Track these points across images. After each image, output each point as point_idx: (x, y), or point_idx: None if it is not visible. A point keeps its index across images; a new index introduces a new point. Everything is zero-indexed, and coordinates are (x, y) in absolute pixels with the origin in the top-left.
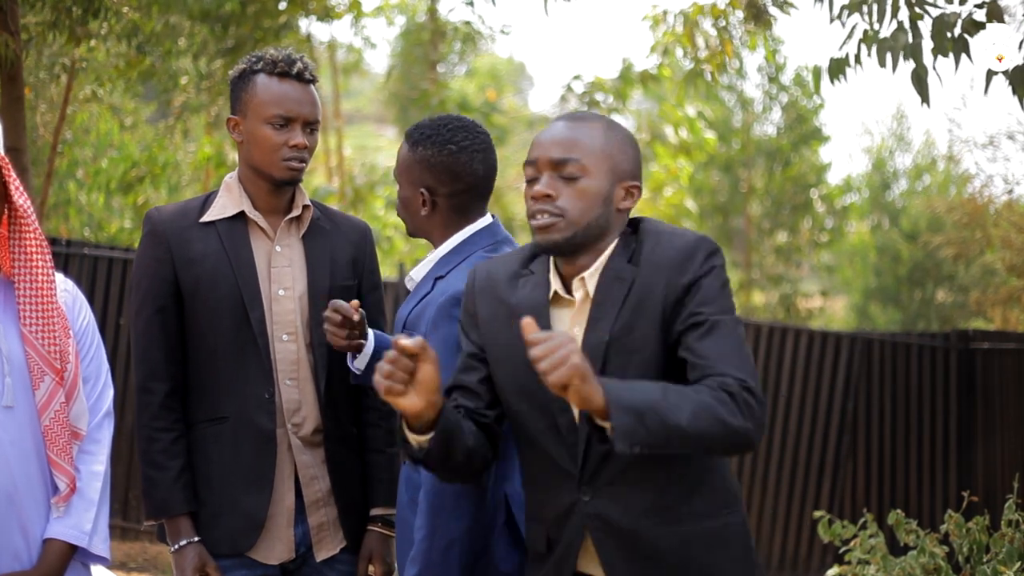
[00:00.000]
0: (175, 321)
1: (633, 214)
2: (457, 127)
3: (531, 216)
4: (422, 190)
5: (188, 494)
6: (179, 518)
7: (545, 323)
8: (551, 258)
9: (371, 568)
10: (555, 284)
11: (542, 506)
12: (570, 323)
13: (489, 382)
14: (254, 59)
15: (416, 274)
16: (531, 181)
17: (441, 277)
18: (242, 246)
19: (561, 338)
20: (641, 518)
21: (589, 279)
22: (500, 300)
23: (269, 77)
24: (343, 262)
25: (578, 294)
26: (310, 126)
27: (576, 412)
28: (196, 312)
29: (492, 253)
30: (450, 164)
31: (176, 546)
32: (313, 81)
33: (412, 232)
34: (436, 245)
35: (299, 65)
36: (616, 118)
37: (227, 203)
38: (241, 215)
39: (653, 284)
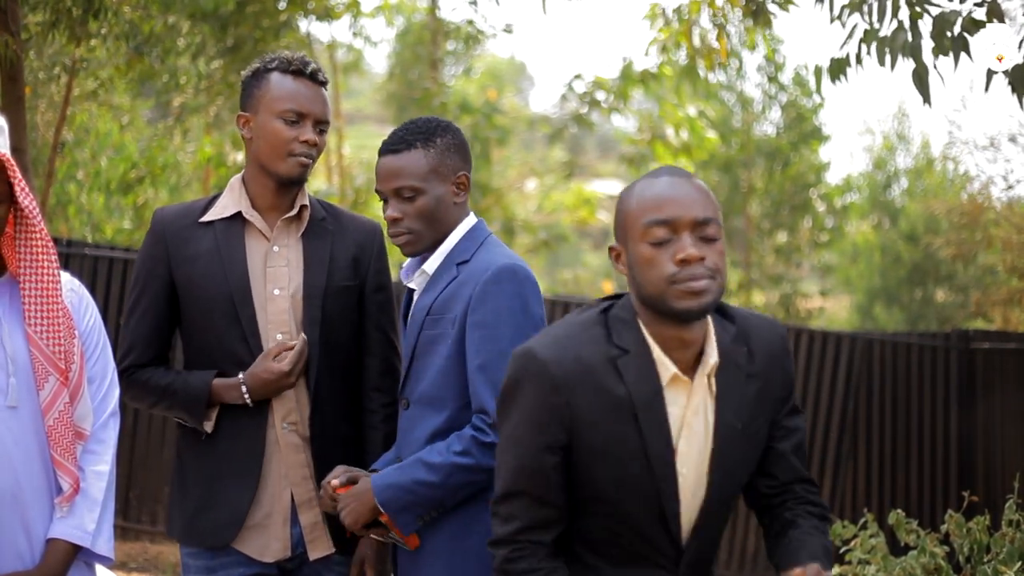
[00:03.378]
0: (166, 322)
1: None
2: (437, 118)
3: (678, 281)
4: (460, 175)
5: (200, 373)
6: (214, 386)
7: (662, 411)
8: (643, 331)
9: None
10: (670, 365)
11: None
12: (688, 407)
13: (564, 480)
14: (268, 58)
15: (429, 267)
16: (661, 243)
17: (465, 262)
18: (236, 246)
19: None
20: None
21: (710, 360)
22: (604, 389)
23: (283, 75)
24: (344, 262)
25: (700, 378)
26: (320, 125)
27: (683, 503)
28: (190, 310)
29: (496, 236)
30: (464, 142)
31: (244, 392)
32: (325, 83)
33: (432, 243)
34: (440, 235)
35: (313, 66)
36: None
37: (227, 203)
38: (239, 215)
39: (771, 374)
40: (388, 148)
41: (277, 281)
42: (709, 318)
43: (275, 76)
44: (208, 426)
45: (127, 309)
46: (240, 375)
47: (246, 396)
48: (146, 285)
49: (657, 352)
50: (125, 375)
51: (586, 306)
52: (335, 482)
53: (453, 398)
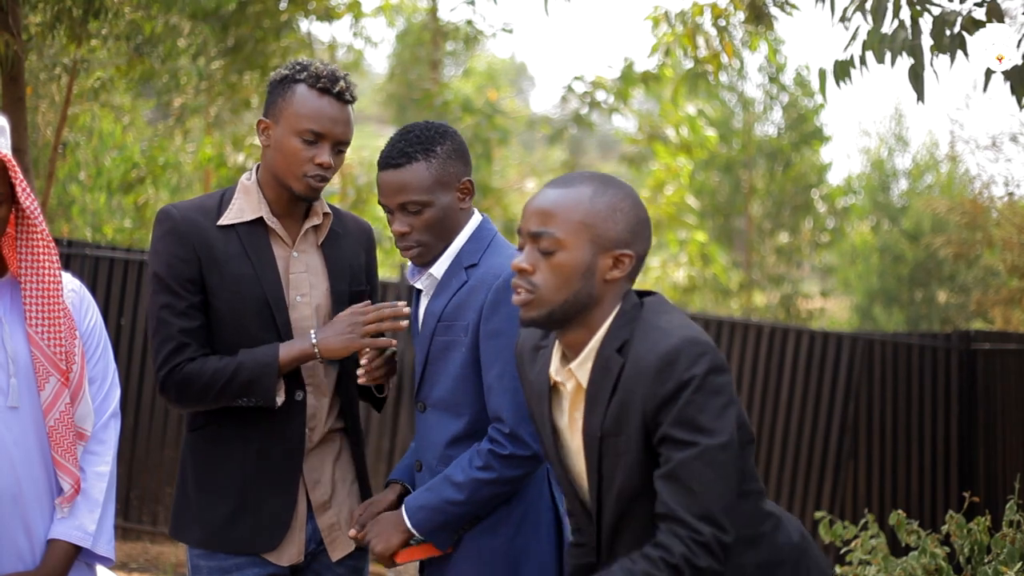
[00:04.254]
0: (203, 315)
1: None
2: (434, 124)
3: (513, 290)
4: (463, 181)
5: (262, 347)
6: (281, 351)
7: (546, 405)
8: None
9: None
10: (553, 367)
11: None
12: (568, 411)
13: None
14: (299, 67)
15: (437, 271)
16: (521, 249)
17: (473, 265)
18: (264, 250)
19: None
20: None
21: (578, 369)
22: (525, 372)
23: (310, 89)
24: (358, 268)
25: (569, 384)
26: (339, 146)
27: (587, 494)
28: (220, 313)
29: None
30: (463, 146)
31: (314, 342)
32: (352, 101)
33: (436, 253)
34: (448, 243)
35: (342, 84)
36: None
37: (245, 207)
38: (260, 220)
39: (634, 390)
40: (388, 162)
41: (299, 288)
42: (608, 322)
43: (301, 89)
44: (279, 399)
45: (156, 309)
46: (311, 332)
47: (314, 345)
48: (181, 287)
49: (555, 350)
50: (177, 370)
51: None
52: (352, 532)
53: (471, 404)
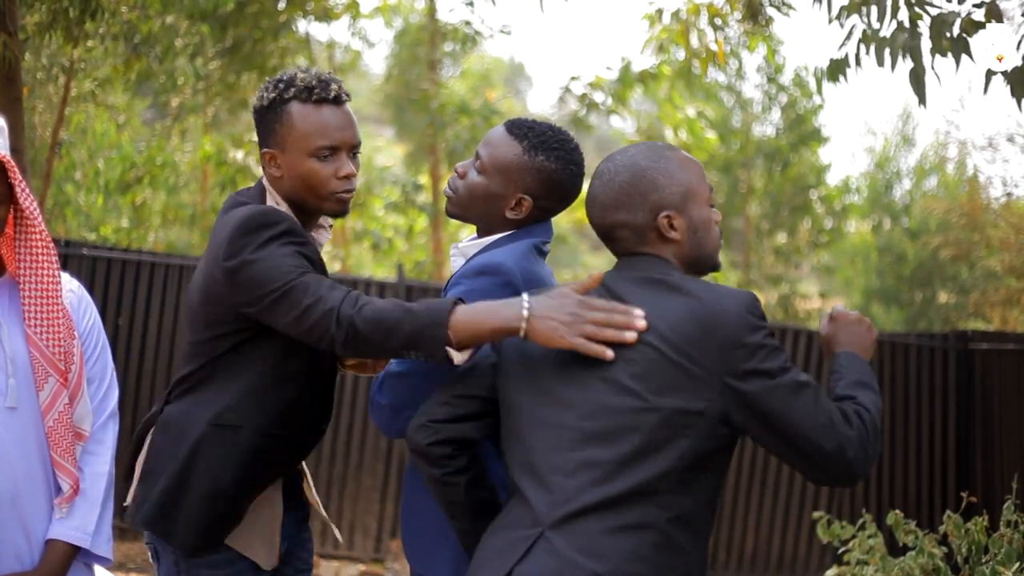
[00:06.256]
0: None
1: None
2: (575, 145)
3: (719, 237)
4: (523, 196)
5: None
6: (449, 314)
7: None
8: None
9: None
10: None
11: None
12: None
13: None
14: (283, 86)
15: (466, 250)
16: (712, 206)
17: (478, 254)
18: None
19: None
20: None
21: None
22: None
23: (304, 104)
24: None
25: None
26: (354, 150)
27: None
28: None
29: (545, 244)
30: (566, 183)
31: (525, 314)
32: (348, 99)
33: (464, 217)
34: (489, 232)
35: (334, 87)
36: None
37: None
38: None
39: None
40: (510, 125)
41: None
42: None
43: (296, 108)
44: (458, 357)
45: (296, 259)
46: (524, 297)
47: (526, 316)
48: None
49: None
50: (366, 307)
51: (640, 277)
52: None
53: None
